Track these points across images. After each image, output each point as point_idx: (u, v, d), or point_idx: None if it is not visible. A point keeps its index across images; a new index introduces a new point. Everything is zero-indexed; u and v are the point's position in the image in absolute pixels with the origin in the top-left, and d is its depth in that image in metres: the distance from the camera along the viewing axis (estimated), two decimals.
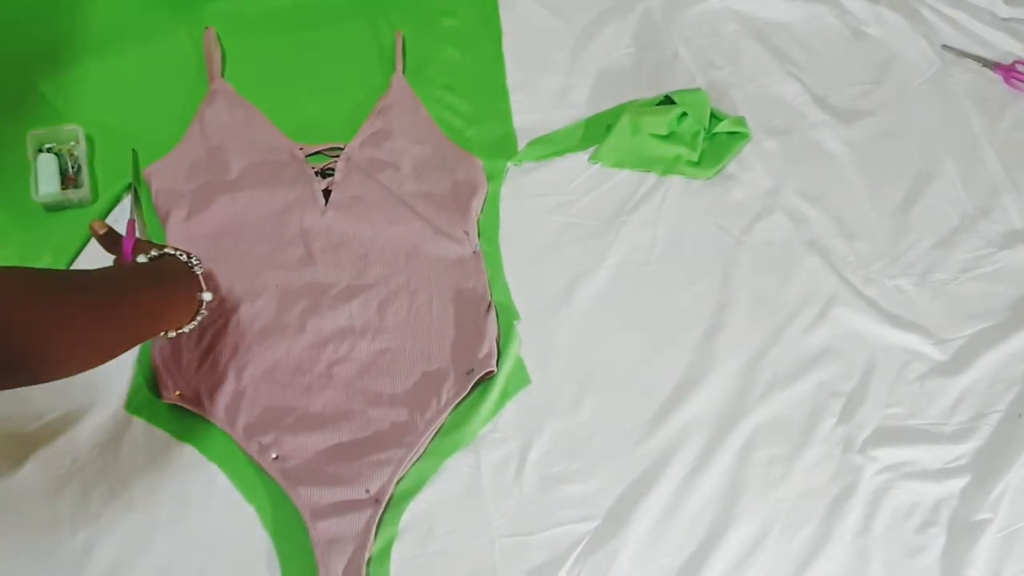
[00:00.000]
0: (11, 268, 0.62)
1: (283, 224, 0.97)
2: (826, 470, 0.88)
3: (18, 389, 0.86)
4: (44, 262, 0.94)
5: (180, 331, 0.79)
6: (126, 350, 0.71)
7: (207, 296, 0.80)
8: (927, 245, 1.03)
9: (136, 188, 1.00)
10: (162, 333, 0.78)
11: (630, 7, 1.20)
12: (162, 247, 0.80)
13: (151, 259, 0.78)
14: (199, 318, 0.80)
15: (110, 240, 0.81)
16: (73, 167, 0.99)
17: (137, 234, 0.92)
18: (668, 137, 1.06)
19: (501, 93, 1.12)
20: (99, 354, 0.67)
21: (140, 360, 0.90)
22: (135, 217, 0.97)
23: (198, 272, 0.80)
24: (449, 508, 0.85)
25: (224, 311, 0.92)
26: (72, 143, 1.00)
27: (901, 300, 0.99)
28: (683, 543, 0.84)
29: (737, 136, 1.08)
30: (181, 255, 0.80)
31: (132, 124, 1.05)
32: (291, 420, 0.87)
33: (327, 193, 1.00)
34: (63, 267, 0.94)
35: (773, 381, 0.93)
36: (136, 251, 0.79)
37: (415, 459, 0.86)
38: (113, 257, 0.81)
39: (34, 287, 0.63)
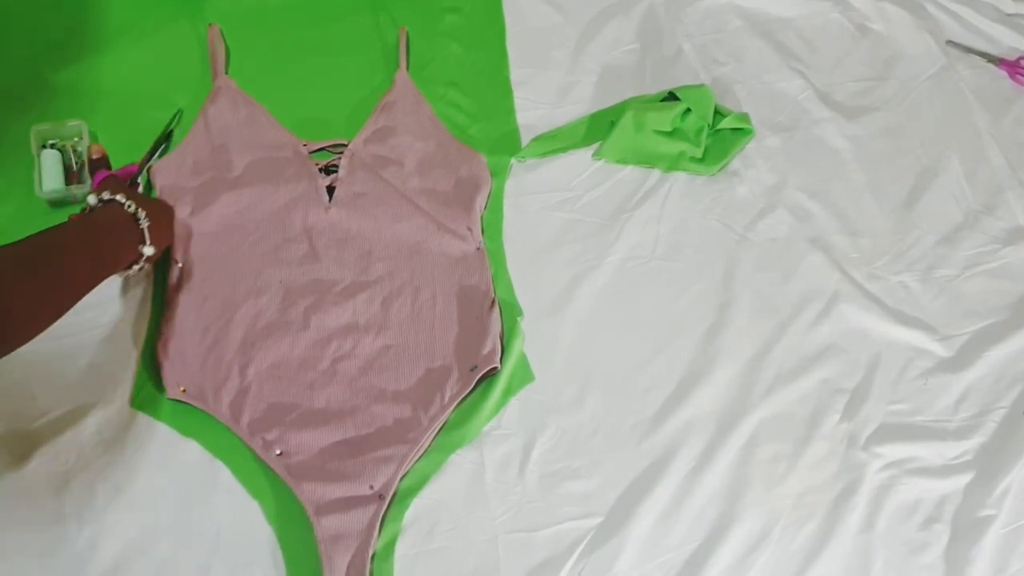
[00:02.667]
0: None
1: (287, 221, 0.97)
2: (829, 467, 0.88)
3: (21, 385, 0.87)
4: None
5: (124, 273, 0.88)
6: (73, 303, 0.78)
7: (148, 250, 0.86)
8: (931, 242, 1.03)
9: (164, 141, 1.03)
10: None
11: (633, 3, 1.20)
12: (117, 193, 0.86)
13: (100, 201, 0.86)
14: (136, 268, 0.87)
15: (93, 166, 0.95)
16: (77, 163, 0.99)
17: (140, 178, 0.99)
18: (672, 133, 1.05)
19: (505, 90, 1.12)
20: (49, 312, 0.74)
21: (144, 356, 0.90)
22: (142, 166, 1.00)
23: (143, 226, 0.86)
24: (452, 504, 0.85)
25: (228, 308, 0.92)
26: (76, 139, 1.00)
27: (905, 297, 0.99)
28: (686, 540, 0.84)
29: (741, 132, 1.08)
30: (129, 206, 0.86)
31: (136, 120, 1.05)
32: (295, 416, 0.87)
33: (331, 190, 1.00)
34: None
35: (776, 378, 0.93)
36: (100, 187, 0.88)
37: (419, 455, 0.86)
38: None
39: None
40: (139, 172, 0.99)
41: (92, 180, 0.97)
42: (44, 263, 0.75)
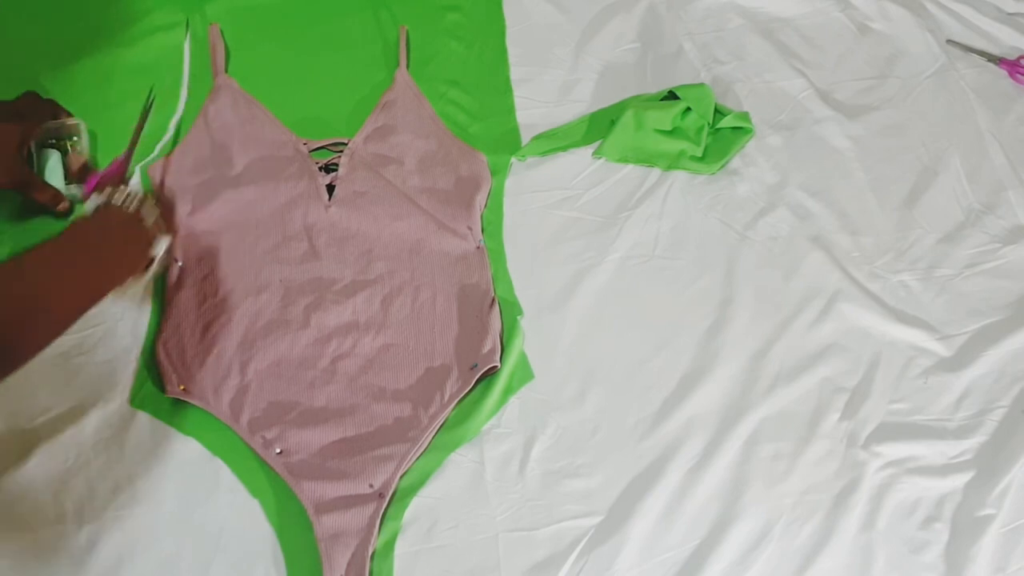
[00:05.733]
0: None
1: (287, 219, 0.97)
2: (830, 465, 0.88)
3: (21, 383, 0.87)
4: None
5: (136, 280, 0.83)
6: (85, 311, 0.74)
7: (162, 245, 0.82)
8: (932, 240, 1.03)
9: (142, 124, 1.01)
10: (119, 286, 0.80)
11: (634, 2, 1.20)
12: (115, 193, 0.83)
13: (96, 208, 0.81)
14: (151, 271, 0.83)
15: (80, 175, 0.90)
16: (77, 162, 0.99)
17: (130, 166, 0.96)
18: (672, 132, 1.05)
19: (505, 88, 1.12)
20: (59, 323, 0.71)
21: (144, 354, 0.90)
22: (129, 153, 0.97)
23: (149, 221, 0.82)
24: (453, 503, 0.85)
25: (228, 307, 0.92)
26: (76, 138, 1.00)
27: (905, 295, 0.99)
28: (686, 538, 0.84)
29: (741, 131, 1.08)
30: (128, 204, 0.82)
31: (136, 119, 1.05)
32: (295, 415, 0.87)
33: (331, 188, 1.00)
34: None
35: (777, 376, 0.92)
36: (97, 186, 0.85)
37: (419, 454, 0.86)
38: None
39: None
40: (128, 161, 0.97)
41: (84, 187, 0.93)
42: (41, 278, 0.70)
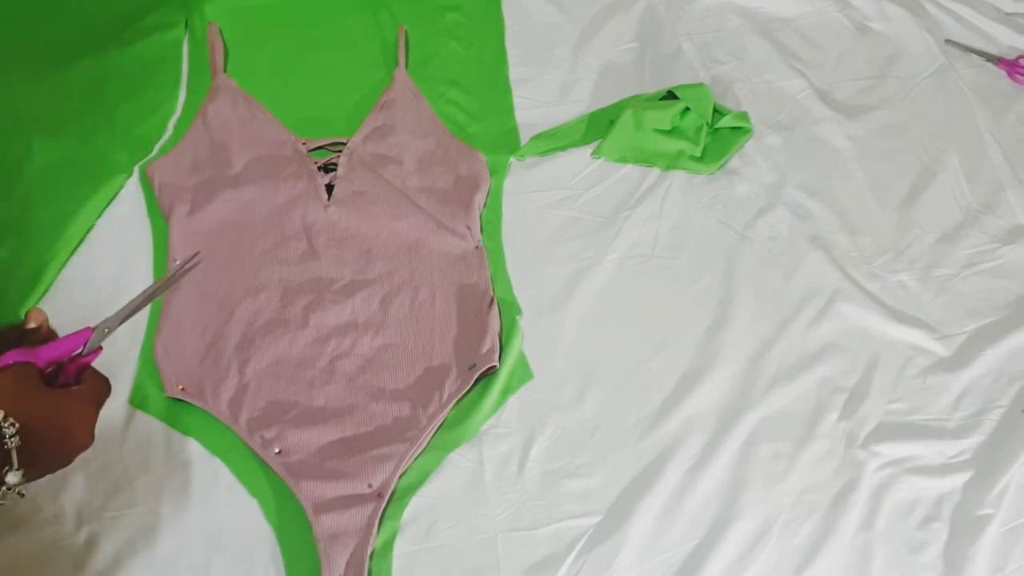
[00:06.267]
0: None
1: (286, 219, 0.97)
2: (829, 465, 0.88)
3: None
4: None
5: None
6: None
7: (10, 478, 0.62)
8: (930, 240, 1.03)
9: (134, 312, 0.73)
10: None
11: (633, 1, 1.20)
12: None
13: None
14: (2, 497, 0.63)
15: (15, 341, 0.69)
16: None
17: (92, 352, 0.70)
18: (671, 132, 1.05)
19: (504, 88, 1.12)
20: None
21: (143, 354, 0.90)
22: (94, 346, 0.69)
23: (10, 446, 0.61)
24: (452, 503, 0.85)
25: (227, 306, 0.92)
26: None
27: (904, 295, 0.99)
28: (685, 538, 0.84)
29: (740, 131, 1.08)
30: None
31: (134, 121, 1.05)
32: (294, 415, 0.87)
33: (330, 188, 1.00)
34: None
35: (776, 376, 0.92)
36: None
37: (417, 454, 0.86)
38: None
39: None
40: (89, 344, 0.69)
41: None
42: None
